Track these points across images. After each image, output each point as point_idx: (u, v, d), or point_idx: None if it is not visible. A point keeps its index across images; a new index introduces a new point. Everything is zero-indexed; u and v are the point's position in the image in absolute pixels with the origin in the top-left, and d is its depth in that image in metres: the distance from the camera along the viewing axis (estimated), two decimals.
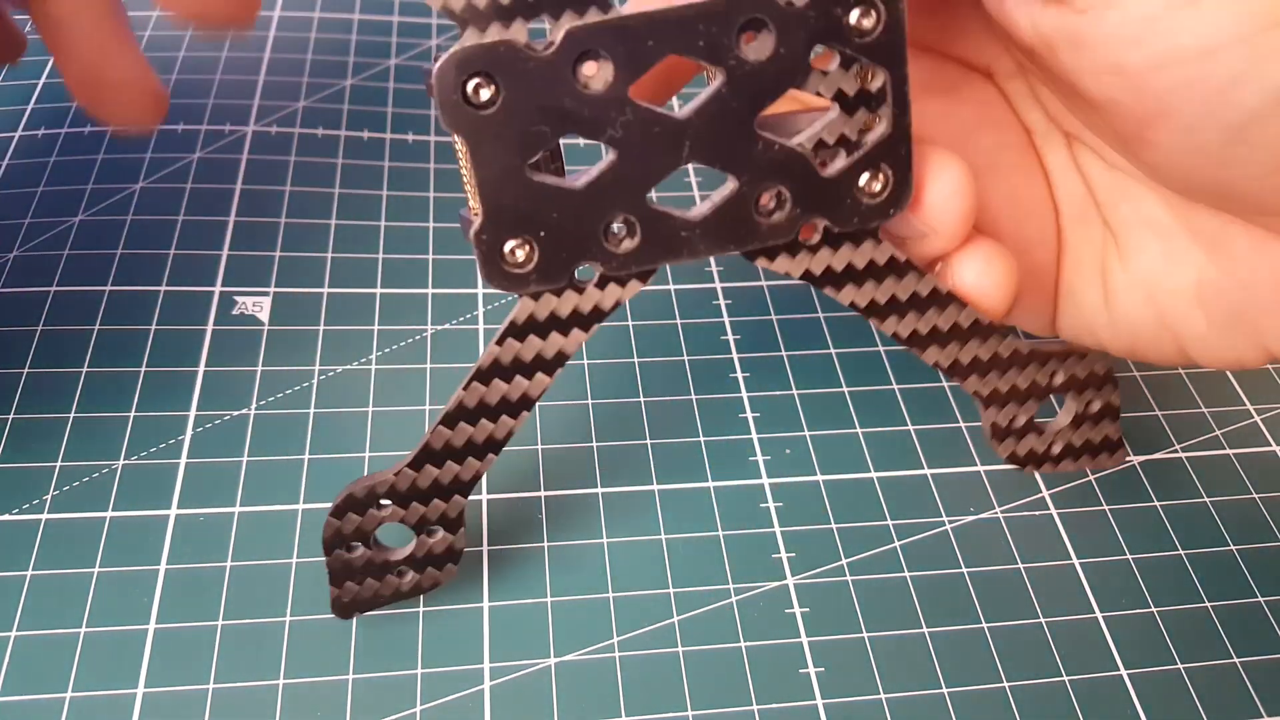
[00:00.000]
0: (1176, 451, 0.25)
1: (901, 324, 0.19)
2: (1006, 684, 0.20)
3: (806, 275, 0.18)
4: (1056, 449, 0.21)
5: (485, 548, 0.22)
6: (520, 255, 0.17)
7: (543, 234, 0.17)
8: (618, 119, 0.16)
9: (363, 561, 0.19)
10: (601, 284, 0.18)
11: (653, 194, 0.17)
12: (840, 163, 0.17)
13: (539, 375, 0.18)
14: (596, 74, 0.16)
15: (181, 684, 0.19)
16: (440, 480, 0.19)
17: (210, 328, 0.25)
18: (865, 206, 0.18)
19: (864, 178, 0.17)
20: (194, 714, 0.19)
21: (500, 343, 0.18)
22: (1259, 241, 0.19)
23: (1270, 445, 0.25)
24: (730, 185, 0.17)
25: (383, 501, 0.19)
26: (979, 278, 0.19)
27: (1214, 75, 0.16)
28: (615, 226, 0.17)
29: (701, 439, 0.24)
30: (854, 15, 0.16)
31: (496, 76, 0.15)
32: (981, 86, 0.22)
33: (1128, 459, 0.22)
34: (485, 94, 0.15)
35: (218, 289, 0.26)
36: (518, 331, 0.18)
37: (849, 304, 0.18)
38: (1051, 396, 0.21)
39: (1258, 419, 0.26)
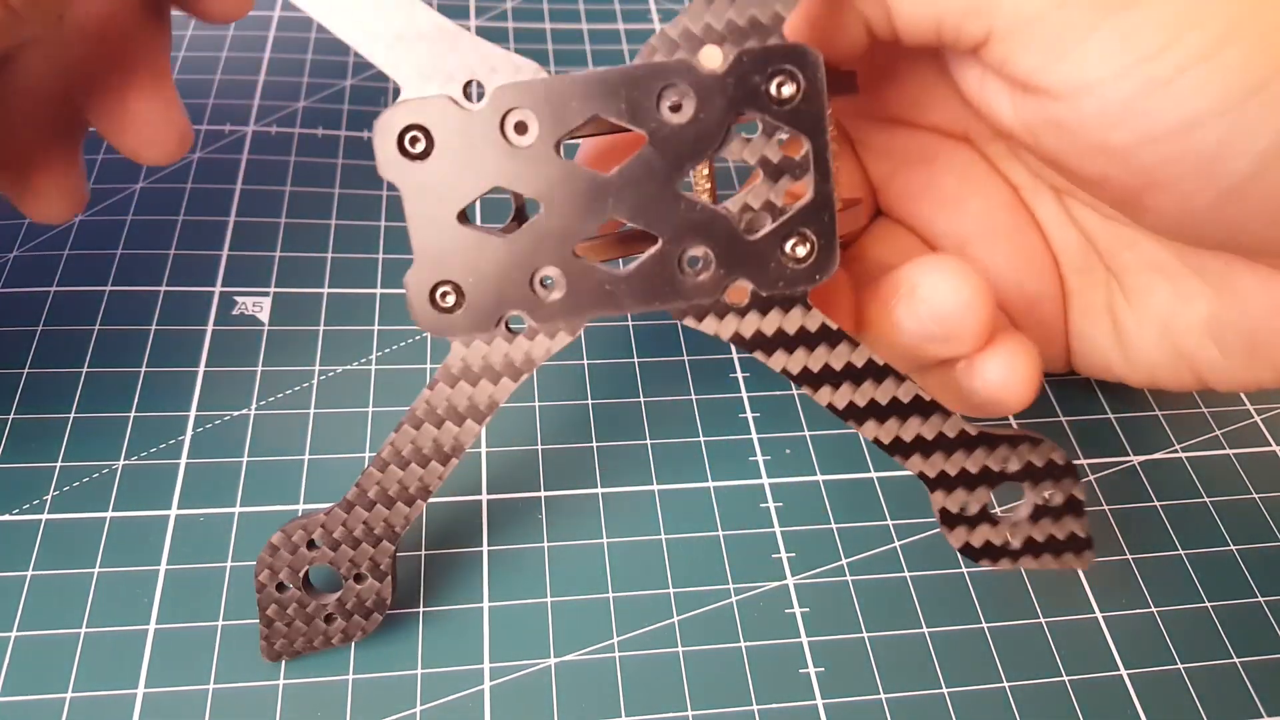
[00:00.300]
0: (1176, 451, 0.25)
1: (836, 395, 0.18)
2: (1006, 684, 0.20)
3: (735, 338, 0.18)
4: (1016, 543, 0.20)
5: (485, 548, 0.22)
6: (449, 301, 0.17)
7: (470, 281, 0.17)
8: (543, 174, 0.17)
9: (293, 603, 0.19)
10: (531, 334, 0.18)
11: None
12: (765, 227, 0.17)
13: (469, 423, 0.18)
14: (524, 130, 0.17)
15: (181, 684, 0.19)
16: (370, 524, 0.19)
17: (210, 328, 0.25)
18: (790, 271, 0.18)
19: (789, 243, 0.18)
20: (194, 714, 0.19)
21: (432, 388, 0.18)
22: (1265, 278, 0.18)
23: (1270, 445, 0.25)
24: (655, 244, 0.17)
25: (314, 542, 0.19)
26: (1001, 377, 0.19)
27: (1200, 146, 0.16)
28: (542, 277, 0.17)
29: (701, 439, 0.24)
30: (773, 83, 0.17)
31: (430, 129, 0.16)
32: (962, 152, 0.22)
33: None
34: (420, 145, 0.17)
35: (218, 289, 0.26)
36: (450, 378, 0.18)
37: (780, 370, 0.18)
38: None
39: (1258, 419, 0.26)
